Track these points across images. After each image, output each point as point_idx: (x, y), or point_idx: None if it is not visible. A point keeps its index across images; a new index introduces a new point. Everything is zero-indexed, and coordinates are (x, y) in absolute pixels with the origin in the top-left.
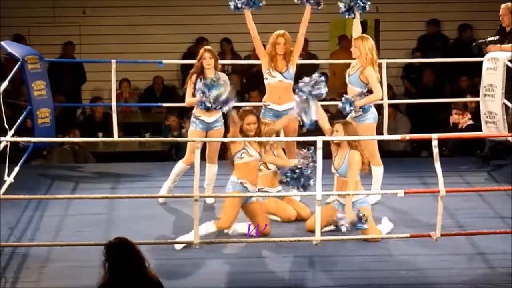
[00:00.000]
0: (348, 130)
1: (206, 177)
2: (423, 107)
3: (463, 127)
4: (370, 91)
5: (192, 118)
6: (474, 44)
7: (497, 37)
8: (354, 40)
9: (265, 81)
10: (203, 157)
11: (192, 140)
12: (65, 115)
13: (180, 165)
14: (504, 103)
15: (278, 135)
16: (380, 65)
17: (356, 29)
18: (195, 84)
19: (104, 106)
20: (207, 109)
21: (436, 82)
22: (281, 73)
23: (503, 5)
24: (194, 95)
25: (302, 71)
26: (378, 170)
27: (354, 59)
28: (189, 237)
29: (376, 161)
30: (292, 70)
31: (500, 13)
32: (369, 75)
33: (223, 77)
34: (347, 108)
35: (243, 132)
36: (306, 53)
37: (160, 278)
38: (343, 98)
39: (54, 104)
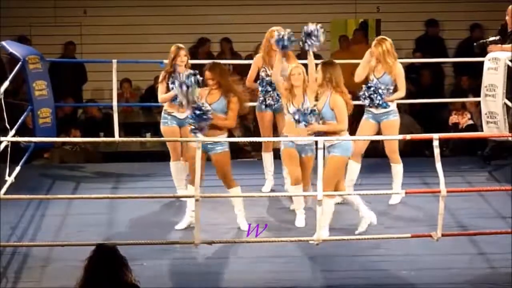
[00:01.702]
0: (329, 70)
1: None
2: (423, 107)
3: (463, 127)
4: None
5: (164, 115)
6: (475, 44)
7: (498, 37)
8: (375, 42)
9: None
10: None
11: (193, 140)
12: (66, 115)
13: (173, 166)
14: (505, 103)
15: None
16: None
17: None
18: (167, 82)
19: (104, 106)
20: (181, 105)
21: (435, 82)
22: None
23: (510, 6)
24: (168, 92)
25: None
26: (398, 168)
27: (355, 59)
28: (186, 220)
29: (396, 158)
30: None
31: (507, 13)
32: (398, 74)
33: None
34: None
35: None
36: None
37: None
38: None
39: (57, 104)
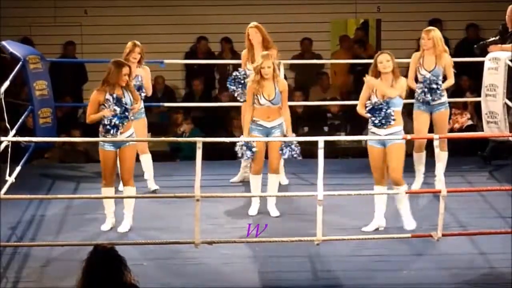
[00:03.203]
0: (392, 57)
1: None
2: None
3: (463, 127)
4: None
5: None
6: (476, 46)
7: (498, 37)
8: (424, 32)
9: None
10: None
11: (193, 140)
12: (67, 115)
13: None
14: (505, 103)
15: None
16: None
17: None
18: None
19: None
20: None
21: None
22: None
23: (510, 7)
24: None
25: (306, 71)
26: (445, 155)
27: (354, 59)
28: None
29: (444, 145)
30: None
31: (507, 14)
32: (448, 63)
33: (146, 71)
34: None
35: None
36: (310, 54)
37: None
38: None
39: (57, 104)
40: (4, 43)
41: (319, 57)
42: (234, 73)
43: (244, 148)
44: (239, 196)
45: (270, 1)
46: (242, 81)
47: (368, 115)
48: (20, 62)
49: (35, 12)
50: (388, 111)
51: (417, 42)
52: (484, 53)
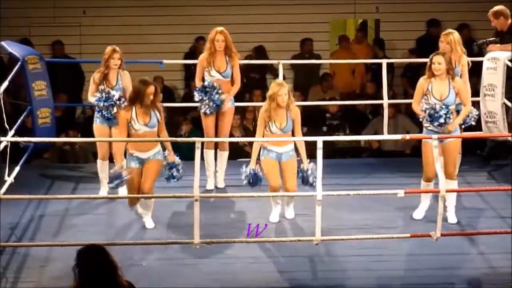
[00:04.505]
0: (447, 58)
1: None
2: None
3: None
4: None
5: (96, 114)
6: (474, 44)
7: (497, 38)
8: (443, 36)
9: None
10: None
11: (193, 140)
12: (65, 116)
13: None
14: (504, 102)
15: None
16: (380, 65)
17: None
18: (98, 84)
19: None
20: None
21: None
22: (220, 73)
23: (488, 14)
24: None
25: (305, 71)
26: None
27: (354, 59)
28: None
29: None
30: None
31: (491, 19)
32: (461, 88)
33: (126, 76)
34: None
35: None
36: (310, 54)
37: (156, 279)
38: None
39: (55, 103)
40: (3, 43)
41: (318, 57)
42: (205, 83)
43: (250, 176)
44: (238, 196)
45: (269, 1)
46: (210, 92)
47: (425, 115)
48: (19, 63)
49: (34, 12)
50: (448, 114)
51: (415, 42)
52: (482, 52)
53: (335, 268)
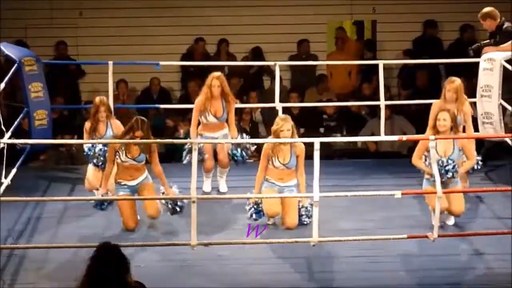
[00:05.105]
0: (451, 115)
1: None
2: (418, 108)
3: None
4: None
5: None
6: (470, 48)
7: (491, 40)
8: (450, 84)
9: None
10: None
11: (191, 141)
12: (63, 117)
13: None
14: (500, 103)
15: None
16: (376, 66)
17: None
18: (89, 133)
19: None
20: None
21: (431, 84)
22: (217, 117)
23: (478, 17)
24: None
25: (303, 72)
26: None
27: (352, 60)
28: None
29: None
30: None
31: (483, 22)
32: (466, 146)
33: (115, 124)
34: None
35: None
36: (307, 55)
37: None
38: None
39: (52, 106)
40: None
41: (315, 58)
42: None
43: (253, 210)
44: (235, 198)
45: (266, 2)
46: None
47: (426, 167)
48: (16, 64)
49: (31, 14)
50: (455, 168)
51: (412, 43)
52: (478, 55)
53: (333, 269)
